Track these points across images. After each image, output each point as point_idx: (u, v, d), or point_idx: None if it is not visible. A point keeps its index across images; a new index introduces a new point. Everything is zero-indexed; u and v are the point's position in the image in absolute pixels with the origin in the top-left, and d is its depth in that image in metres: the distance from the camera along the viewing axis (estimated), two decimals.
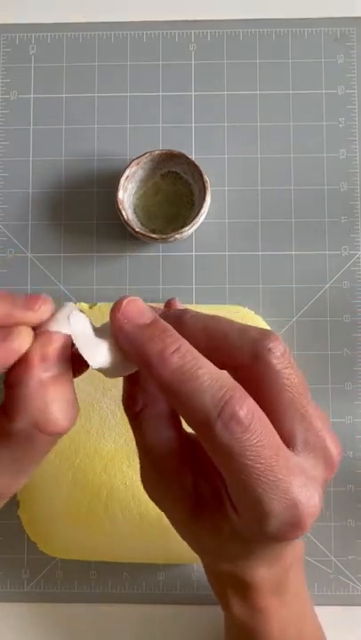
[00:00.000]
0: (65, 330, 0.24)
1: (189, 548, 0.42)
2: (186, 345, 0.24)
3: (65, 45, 0.48)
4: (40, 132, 0.48)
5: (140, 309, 0.24)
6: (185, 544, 0.42)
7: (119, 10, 0.49)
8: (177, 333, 0.24)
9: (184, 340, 0.24)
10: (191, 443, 0.28)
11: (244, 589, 0.30)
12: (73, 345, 0.24)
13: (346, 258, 0.46)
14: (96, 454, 0.42)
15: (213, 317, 0.26)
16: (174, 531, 0.42)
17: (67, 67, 0.48)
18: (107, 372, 0.25)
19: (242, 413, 0.22)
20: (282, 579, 0.30)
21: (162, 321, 0.25)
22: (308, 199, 0.47)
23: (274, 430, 0.24)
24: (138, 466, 0.43)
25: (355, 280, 0.46)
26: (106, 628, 0.44)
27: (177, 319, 0.26)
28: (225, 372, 0.24)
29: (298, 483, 0.24)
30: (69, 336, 0.24)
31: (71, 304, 0.25)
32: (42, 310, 0.24)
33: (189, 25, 0.48)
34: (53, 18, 0.49)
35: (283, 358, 0.24)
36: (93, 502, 0.42)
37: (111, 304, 0.47)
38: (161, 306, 0.45)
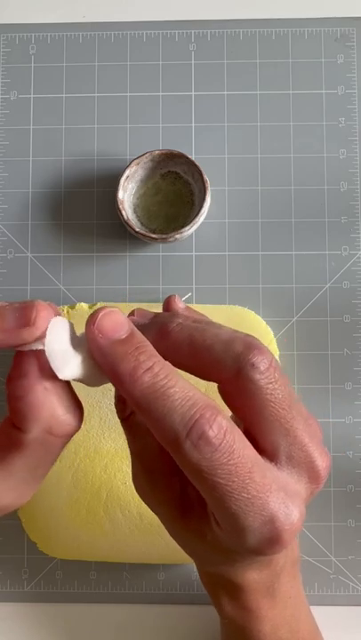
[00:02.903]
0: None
1: None
2: (159, 363, 0.23)
3: (65, 45, 0.48)
4: (40, 131, 0.48)
5: (115, 323, 0.24)
6: None
7: (119, 10, 0.49)
8: (152, 349, 0.24)
9: (158, 357, 0.24)
10: None
11: (235, 590, 0.30)
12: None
13: (346, 258, 0.46)
14: (96, 454, 0.42)
15: (199, 327, 0.25)
16: None
17: (67, 67, 0.48)
18: (84, 382, 0.25)
19: (211, 433, 0.22)
20: (273, 581, 0.30)
21: (138, 335, 0.24)
22: (308, 199, 0.47)
23: (249, 446, 0.24)
24: None
25: (355, 280, 0.46)
26: (106, 628, 0.44)
27: (161, 329, 0.26)
28: (197, 389, 0.24)
29: (275, 499, 0.23)
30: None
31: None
32: (38, 325, 0.23)
33: (189, 25, 0.48)
34: (53, 18, 0.49)
35: (267, 373, 0.24)
36: (93, 502, 0.42)
37: (111, 304, 0.47)
38: (161, 306, 0.45)
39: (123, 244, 0.47)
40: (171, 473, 0.27)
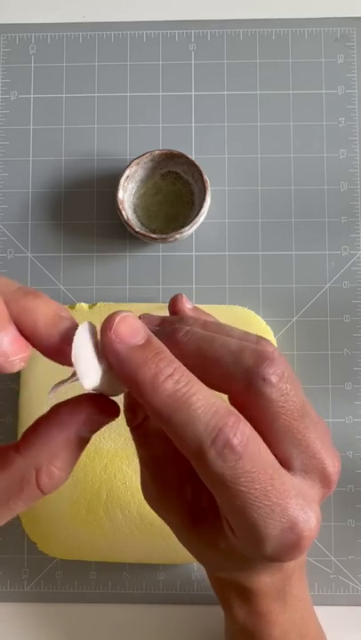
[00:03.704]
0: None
1: None
2: (180, 369, 0.23)
3: (65, 45, 0.48)
4: (40, 131, 0.48)
5: (132, 328, 0.23)
6: None
7: (119, 10, 0.49)
8: (171, 355, 0.23)
9: (178, 362, 0.23)
10: None
11: (247, 595, 0.30)
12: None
13: (346, 258, 0.46)
14: (96, 454, 0.42)
15: (207, 337, 0.25)
16: None
17: (67, 67, 0.48)
18: (106, 392, 0.24)
19: (235, 441, 0.22)
20: (284, 585, 0.30)
21: (156, 341, 0.23)
22: (308, 199, 0.47)
23: (269, 452, 0.23)
24: (138, 466, 0.43)
25: (355, 280, 0.46)
26: (106, 628, 0.44)
27: (169, 338, 0.25)
28: (216, 395, 0.23)
29: (294, 505, 0.23)
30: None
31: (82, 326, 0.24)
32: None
33: (189, 25, 0.48)
34: (53, 18, 0.49)
35: (279, 385, 0.23)
36: (93, 502, 0.42)
37: (111, 304, 0.47)
38: (161, 306, 0.45)
39: (123, 244, 0.47)
40: (182, 481, 0.27)
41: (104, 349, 0.23)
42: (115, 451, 0.42)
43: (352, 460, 0.45)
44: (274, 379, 0.23)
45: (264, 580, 0.29)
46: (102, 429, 0.24)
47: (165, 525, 0.40)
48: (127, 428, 0.42)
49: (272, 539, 0.23)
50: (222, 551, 0.26)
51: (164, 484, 0.27)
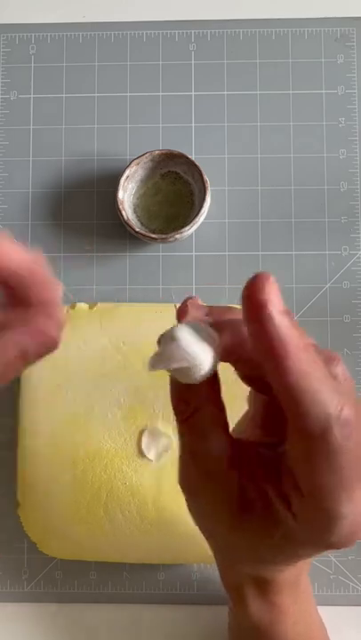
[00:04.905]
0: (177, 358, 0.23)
1: (189, 549, 0.42)
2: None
3: (65, 45, 0.48)
4: (40, 132, 0.48)
5: (279, 292, 0.22)
6: (185, 544, 0.42)
7: (119, 10, 0.49)
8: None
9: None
10: (240, 447, 0.27)
11: (265, 587, 0.31)
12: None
13: (346, 258, 0.46)
14: (96, 454, 0.42)
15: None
16: (174, 531, 0.42)
17: (67, 67, 0.48)
18: (203, 376, 0.24)
19: (354, 418, 0.22)
20: (298, 576, 0.31)
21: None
22: (308, 199, 0.47)
23: None
24: (137, 466, 0.43)
25: (355, 280, 0.46)
26: (106, 628, 0.44)
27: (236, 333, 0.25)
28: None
29: None
30: None
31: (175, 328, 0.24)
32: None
33: (189, 25, 0.48)
34: (53, 18, 0.49)
35: (353, 436, 0.23)
36: (93, 502, 0.42)
37: (111, 304, 0.47)
38: (160, 306, 0.45)
39: (123, 244, 0.47)
40: (229, 475, 0.26)
41: (250, 316, 0.22)
42: (115, 451, 0.42)
43: None
44: (347, 430, 0.23)
45: (286, 573, 0.30)
46: (102, 430, 0.23)
47: (165, 526, 0.40)
48: (127, 428, 0.42)
49: (344, 522, 0.23)
50: (273, 541, 0.26)
51: (210, 477, 0.27)
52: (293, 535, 0.25)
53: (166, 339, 0.24)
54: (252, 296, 0.22)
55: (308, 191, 0.47)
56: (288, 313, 0.22)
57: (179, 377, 0.25)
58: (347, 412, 0.22)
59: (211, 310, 0.27)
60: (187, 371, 0.24)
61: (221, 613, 0.41)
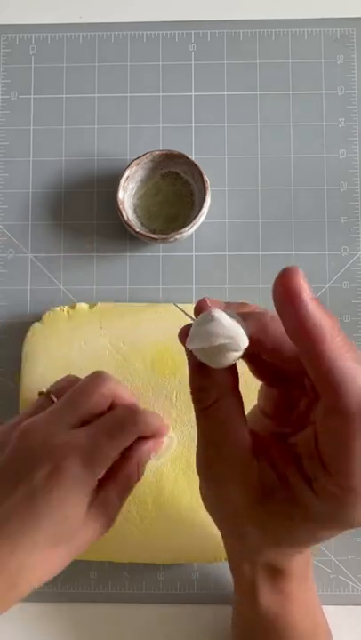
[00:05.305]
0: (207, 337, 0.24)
1: (189, 548, 0.42)
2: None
3: (65, 45, 0.48)
4: (40, 132, 0.48)
5: (307, 284, 0.24)
6: (185, 544, 0.42)
7: (119, 10, 0.49)
8: None
9: None
10: (256, 437, 0.28)
11: (277, 576, 0.31)
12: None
13: (346, 258, 0.46)
14: None
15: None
16: (174, 531, 0.42)
17: (67, 67, 0.48)
18: (236, 357, 0.25)
19: None
20: (307, 564, 0.32)
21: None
22: (308, 199, 0.47)
23: None
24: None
25: (355, 280, 0.46)
26: (106, 627, 0.44)
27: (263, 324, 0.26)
28: None
29: None
30: None
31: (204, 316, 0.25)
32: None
33: (189, 25, 0.48)
34: (53, 18, 0.49)
35: None
36: None
37: (111, 304, 0.47)
38: (162, 306, 0.45)
39: (123, 245, 0.47)
40: (249, 461, 0.27)
41: (284, 304, 0.24)
42: None
43: None
44: None
45: (297, 562, 0.31)
46: None
47: (165, 526, 0.40)
48: None
49: None
50: (295, 523, 0.27)
51: (229, 464, 0.27)
52: (314, 516, 0.26)
53: (205, 319, 0.25)
54: (286, 285, 0.24)
55: (308, 191, 0.47)
56: (319, 301, 0.24)
57: (209, 359, 0.25)
58: None
59: (228, 305, 0.28)
60: (223, 350, 0.25)
61: (222, 613, 0.41)
